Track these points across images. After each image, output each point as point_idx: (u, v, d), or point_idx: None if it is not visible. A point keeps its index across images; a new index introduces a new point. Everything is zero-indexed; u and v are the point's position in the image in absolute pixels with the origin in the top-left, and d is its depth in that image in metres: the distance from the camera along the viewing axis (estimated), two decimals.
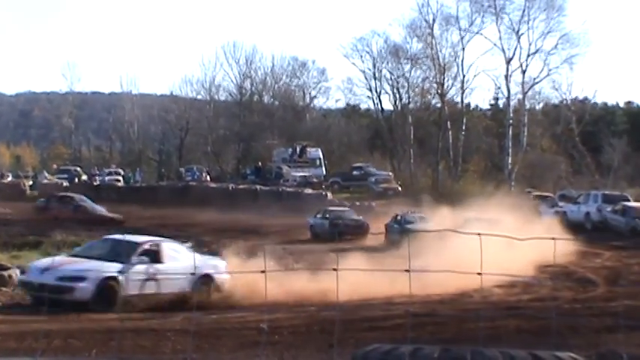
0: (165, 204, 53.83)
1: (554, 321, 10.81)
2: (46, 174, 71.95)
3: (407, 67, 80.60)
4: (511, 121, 74.20)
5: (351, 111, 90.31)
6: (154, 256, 21.03)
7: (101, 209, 47.87)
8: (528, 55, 74.68)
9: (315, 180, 67.72)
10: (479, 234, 6.52)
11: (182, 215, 48.06)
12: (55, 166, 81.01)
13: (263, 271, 6.96)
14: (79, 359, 6.65)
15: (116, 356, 9.64)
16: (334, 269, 6.27)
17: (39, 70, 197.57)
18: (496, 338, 12.18)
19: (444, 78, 77.59)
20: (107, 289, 19.68)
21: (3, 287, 24.12)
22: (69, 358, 6.79)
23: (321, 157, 72.82)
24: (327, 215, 43.55)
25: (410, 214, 40.70)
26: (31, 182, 66.91)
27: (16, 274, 25.19)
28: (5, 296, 21.88)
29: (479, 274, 6.39)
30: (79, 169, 76.62)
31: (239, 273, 19.87)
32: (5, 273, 25.12)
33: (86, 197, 49.64)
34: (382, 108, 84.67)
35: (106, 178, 71.25)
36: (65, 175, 70.29)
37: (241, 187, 62.43)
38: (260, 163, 72.21)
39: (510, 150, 72.80)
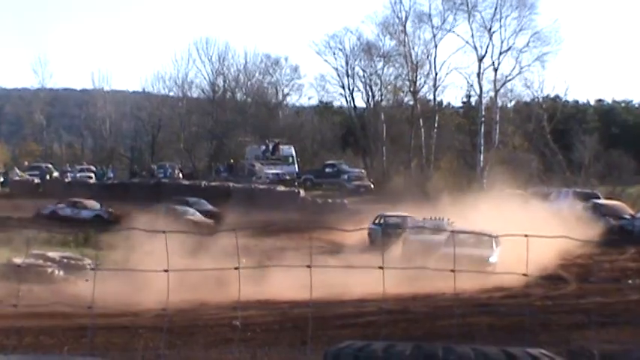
0: (137, 201, 53.61)
1: (526, 318, 10.87)
2: (18, 171, 71.53)
3: (379, 65, 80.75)
4: (483, 119, 74.47)
5: (324, 108, 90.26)
6: None
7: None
8: (500, 53, 75.02)
9: (287, 177, 67.74)
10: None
11: None
12: (26, 163, 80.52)
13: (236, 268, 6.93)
14: (51, 356, 6.62)
15: (88, 353, 9.61)
16: (308, 266, 6.29)
17: (10, 66, 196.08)
18: (468, 335, 12.25)
19: (416, 75, 77.76)
20: None
21: None
22: (41, 355, 6.77)
23: (294, 154, 72.84)
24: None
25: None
26: (1, 179, 66.51)
27: None
28: None
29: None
30: (50, 165, 76.19)
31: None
32: None
33: None
34: (355, 105, 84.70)
35: (78, 174, 70.94)
36: (37, 172, 69.96)
37: (214, 184, 62.31)
38: (232, 161, 72.12)
39: (482, 147, 73.03)
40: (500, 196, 39.50)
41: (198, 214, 45.65)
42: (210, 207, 48.96)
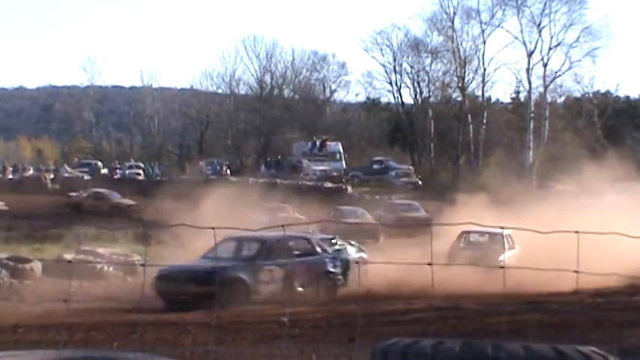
0: (185, 197, 53.77)
1: (577, 315, 10.78)
2: (67, 167, 72.22)
3: (427, 61, 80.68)
4: (532, 115, 74.04)
5: (371, 105, 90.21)
6: None
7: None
8: (550, 49, 74.63)
9: (335, 174, 67.74)
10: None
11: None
12: (76, 159, 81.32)
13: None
14: (101, 351, 6.69)
15: (137, 349, 9.69)
16: (356, 262, 6.26)
17: (60, 64, 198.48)
18: (518, 332, 12.15)
19: (464, 71, 77.57)
20: None
21: (26, 280, 24.25)
22: (91, 350, 6.84)
23: (341, 150, 72.82)
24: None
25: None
26: (52, 176, 67.16)
27: (37, 267, 25.33)
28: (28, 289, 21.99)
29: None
30: (99, 162, 76.93)
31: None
32: (27, 266, 25.27)
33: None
34: (402, 102, 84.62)
35: (127, 171, 71.46)
36: (86, 169, 70.59)
37: (261, 181, 62.42)
38: (280, 157, 72.23)
39: (532, 144, 72.59)
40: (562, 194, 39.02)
41: None
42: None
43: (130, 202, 49.55)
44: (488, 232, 27.53)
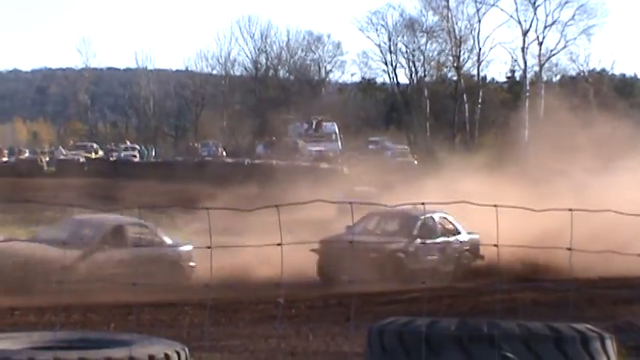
0: (182, 179, 53.77)
1: (571, 293, 10.81)
2: (63, 150, 72.17)
3: (423, 40, 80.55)
4: (528, 94, 73.99)
5: (367, 85, 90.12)
6: None
7: None
8: (545, 27, 74.59)
9: (330, 154, 67.64)
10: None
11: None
12: (71, 142, 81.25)
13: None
14: (98, 333, 6.71)
15: (134, 330, 9.72)
16: (350, 242, 6.26)
17: (55, 46, 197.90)
18: (513, 311, 12.19)
19: (459, 51, 77.46)
20: None
21: None
22: (88, 332, 6.86)
23: (337, 131, 72.71)
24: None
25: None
26: (48, 158, 67.11)
27: None
28: None
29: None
30: (95, 145, 76.85)
31: None
32: None
33: None
34: (398, 82, 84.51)
35: (122, 153, 71.42)
36: (82, 151, 70.54)
37: (257, 162, 62.41)
38: (274, 138, 72.14)
39: (527, 123, 72.57)
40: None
41: None
42: None
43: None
44: (399, 215, 22.81)
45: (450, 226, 23.27)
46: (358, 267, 18.70)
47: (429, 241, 22.00)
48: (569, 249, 6.28)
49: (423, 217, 22.21)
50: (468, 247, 23.08)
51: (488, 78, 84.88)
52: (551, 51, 74.95)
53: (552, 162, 48.49)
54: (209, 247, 6.92)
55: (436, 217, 22.97)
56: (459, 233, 23.20)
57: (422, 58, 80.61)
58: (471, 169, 37.25)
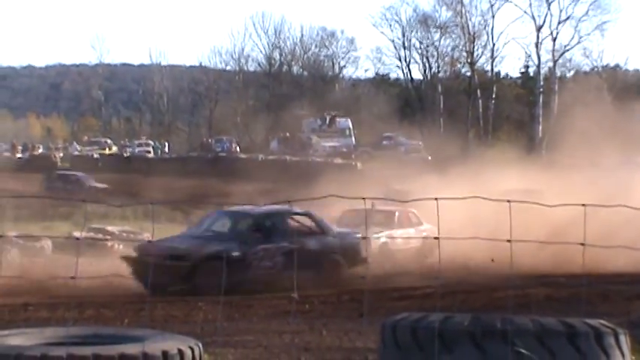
0: (196, 175, 53.88)
1: (584, 289, 10.77)
2: (77, 146, 72.35)
3: (436, 36, 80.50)
4: (541, 89, 73.82)
5: (381, 80, 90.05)
6: None
7: None
8: (559, 23, 74.37)
9: (344, 150, 67.61)
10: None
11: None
12: (85, 138, 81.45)
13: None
14: (111, 328, 6.73)
15: (147, 326, 9.75)
16: (363, 237, 6.24)
17: (69, 42, 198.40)
18: (526, 306, 12.17)
19: (473, 46, 77.40)
20: None
21: (36, 258, 24.27)
22: (101, 327, 6.88)
23: (351, 126, 72.69)
24: None
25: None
26: (61, 154, 67.28)
27: (48, 245, 25.39)
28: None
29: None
30: (109, 140, 77.01)
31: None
32: (37, 244, 25.33)
33: None
34: (412, 77, 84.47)
35: (136, 149, 71.54)
36: (96, 147, 70.69)
37: (271, 157, 62.44)
38: (288, 134, 72.17)
39: (541, 118, 72.40)
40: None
41: None
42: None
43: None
44: (237, 215, 20.58)
45: (312, 225, 19.79)
46: (159, 275, 17.31)
47: (269, 245, 18.80)
48: (582, 244, 6.25)
49: (262, 216, 19.38)
50: (336, 251, 19.47)
51: (502, 74, 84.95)
52: (565, 46, 74.88)
53: (566, 157, 48.44)
54: None
55: (288, 216, 19.62)
56: (324, 233, 19.73)
57: (435, 53, 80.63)
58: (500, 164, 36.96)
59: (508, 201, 6.16)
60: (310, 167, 57.07)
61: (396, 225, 24.55)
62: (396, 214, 24.83)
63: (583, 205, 6.22)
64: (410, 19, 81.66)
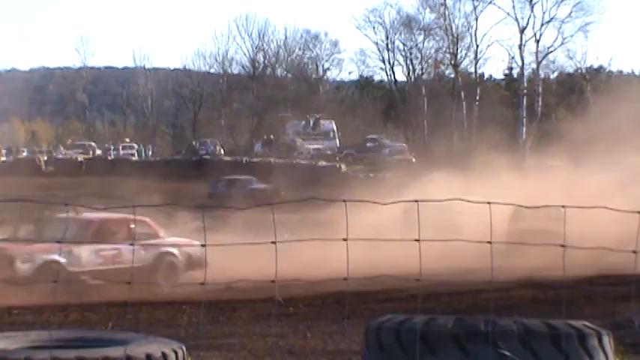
0: (180, 178, 53.77)
1: (569, 290, 10.82)
2: (62, 149, 72.17)
3: (420, 38, 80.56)
4: (525, 91, 73.98)
5: (365, 83, 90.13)
6: None
7: None
8: (542, 24, 74.46)
9: (328, 152, 67.66)
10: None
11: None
12: (69, 141, 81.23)
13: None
14: (95, 332, 6.72)
15: (132, 329, 9.72)
16: (344, 239, 6.24)
17: (53, 45, 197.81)
18: (511, 308, 12.20)
19: (457, 48, 77.48)
20: None
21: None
22: (85, 331, 6.86)
23: (335, 129, 72.75)
24: None
25: None
26: (46, 157, 67.10)
27: None
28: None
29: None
30: (93, 143, 76.85)
31: None
32: None
33: None
34: (395, 79, 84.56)
35: (121, 152, 71.42)
36: (80, 150, 70.56)
37: (255, 160, 62.39)
38: (272, 136, 72.15)
39: (525, 120, 72.57)
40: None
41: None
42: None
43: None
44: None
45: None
46: None
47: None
48: (562, 245, 6.25)
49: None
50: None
51: (486, 75, 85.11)
52: (549, 48, 74.96)
53: (550, 159, 48.55)
54: (203, 245, 6.92)
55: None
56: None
57: (419, 55, 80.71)
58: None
59: (488, 203, 6.16)
60: (295, 169, 57.08)
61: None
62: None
63: (563, 206, 6.24)
64: (393, 22, 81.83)
